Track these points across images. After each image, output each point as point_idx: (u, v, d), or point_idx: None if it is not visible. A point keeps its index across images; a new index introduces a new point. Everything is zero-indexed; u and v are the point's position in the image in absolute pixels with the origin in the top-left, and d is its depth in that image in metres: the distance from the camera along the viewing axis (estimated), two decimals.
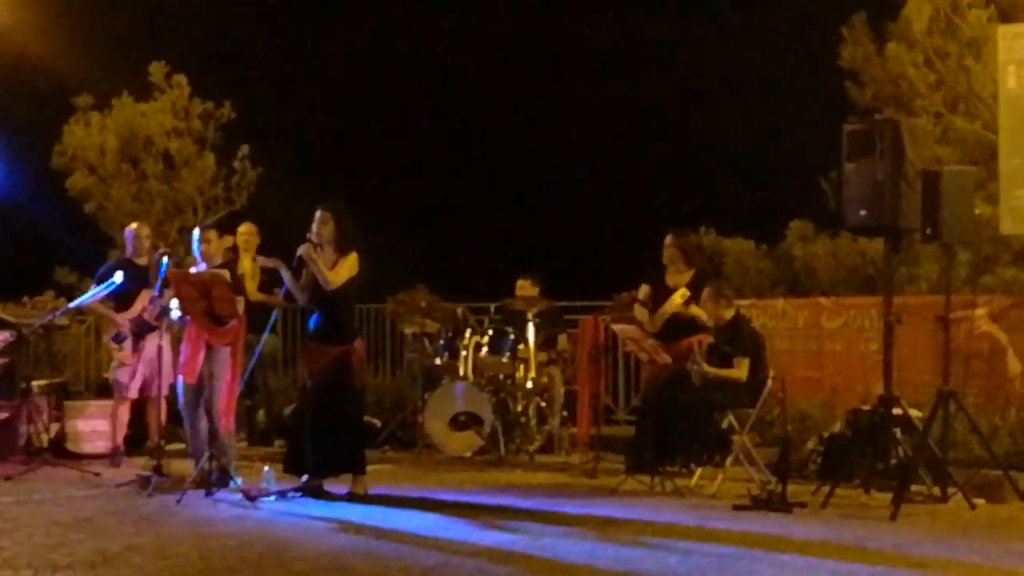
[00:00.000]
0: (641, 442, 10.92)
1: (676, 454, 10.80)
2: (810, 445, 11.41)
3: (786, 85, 19.11)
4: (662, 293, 11.17)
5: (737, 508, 9.82)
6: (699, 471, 10.59)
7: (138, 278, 12.12)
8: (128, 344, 12.12)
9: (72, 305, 12.47)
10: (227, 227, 14.08)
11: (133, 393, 12.24)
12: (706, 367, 10.66)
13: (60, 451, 12.47)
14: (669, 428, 10.63)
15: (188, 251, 12.08)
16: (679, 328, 10.99)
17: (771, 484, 10.07)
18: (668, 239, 11.22)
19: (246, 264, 12.99)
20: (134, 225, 12.94)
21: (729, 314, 10.92)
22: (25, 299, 12.77)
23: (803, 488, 10.31)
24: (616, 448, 12.21)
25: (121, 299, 12.26)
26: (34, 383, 12.64)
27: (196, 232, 11.47)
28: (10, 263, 16.57)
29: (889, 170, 10.04)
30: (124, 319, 12.19)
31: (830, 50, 15.76)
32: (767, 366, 10.75)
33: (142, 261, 12.39)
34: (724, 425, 10.77)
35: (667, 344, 11.00)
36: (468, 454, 12.76)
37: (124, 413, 12.35)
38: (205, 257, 11.17)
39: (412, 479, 11.49)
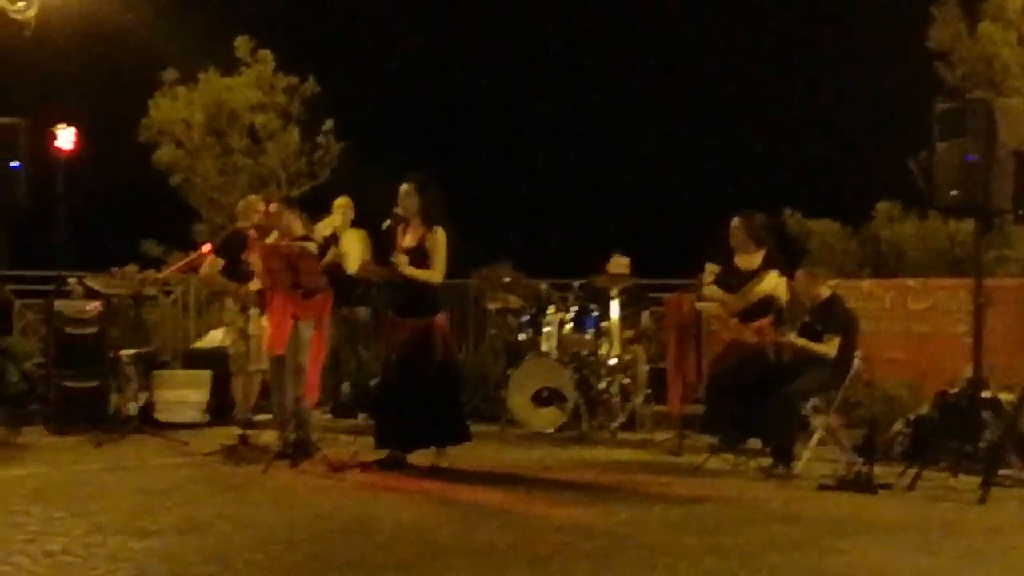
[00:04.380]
0: (723, 419, 10.88)
1: (752, 433, 10.75)
2: (897, 427, 11.30)
3: (872, 65, 18.93)
4: (734, 275, 11.07)
5: (822, 488, 9.75)
6: (806, 455, 10.48)
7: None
8: (256, 316, 11.95)
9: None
10: (311, 201, 14.20)
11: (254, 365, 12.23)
12: (796, 339, 10.59)
13: (148, 420, 12.61)
14: (745, 406, 10.56)
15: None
16: (754, 308, 10.91)
17: (857, 465, 9.99)
18: (735, 222, 11.11)
19: (350, 237, 13.01)
20: (252, 199, 12.87)
21: (825, 293, 10.84)
22: (114, 270, 12.88)
23: (889, 470, 10.18)
24: (697, 426, 12.15)
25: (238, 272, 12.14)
26: (123, 353, 12.79)
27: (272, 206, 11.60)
28: (98, 235, 16.77)
29: (981, 150, 9.91)
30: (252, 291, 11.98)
31: (918, 30, 15.59)
32: (856, 347, 10.65)
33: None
34: (808, 408, 10.69)
35: (747, 323, 10.93)
36: (550, 430, 12.76)
37: (254, 385, 12.33)
38: (284, 230, 11.22)
39: (494, 454, 11.52)
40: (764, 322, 10.87)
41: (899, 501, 9.38)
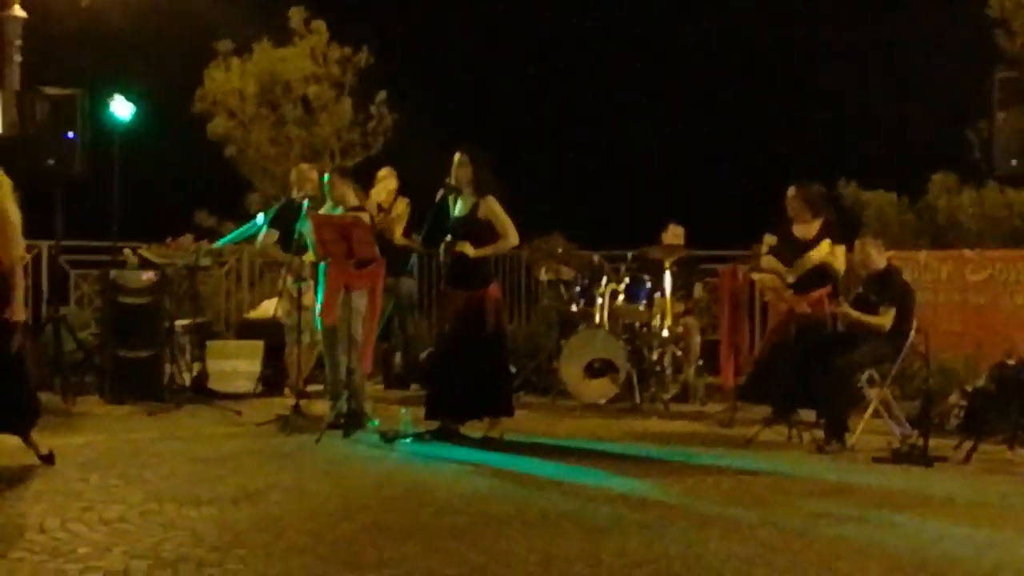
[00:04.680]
0: (758, 386, 10.85)
1: (804, 404, 10.68)
2: (952, 399, 11.20)
3: (928, 35, 18.72)
4: (791, 244, 10.99)
5: (876, 461, 9.68)
6: (860, 427, 10.40)
7: None
8: (311, 287, 11.77)
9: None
10: (364, 172, 14.22)
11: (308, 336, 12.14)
12: (850, 310, 10.49)
13: (201, 390, 12.69)
14: (799, 377, 10.49)
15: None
16: (811, 278, 10.82)
17: (912, 438, 9.92)
18: (791, 191, 11.04)
19: (401, 206, 13.06)
20: (304, 167, 12.83)
21: (882, 263, 10.72)
22: (169, 240, 12.94)
23: (944, 443, 10.10)
24: (739, 394, 12.10)
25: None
26: (177, 323, 12.86)
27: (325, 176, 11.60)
28: (152, 206, 16.84)
29: None
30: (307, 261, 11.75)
31: None
32: (912, 318, 10.54)
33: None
34: (863, 380, 10.60)
35: (802, 294, 10.84)
36: (603, 401, 12.74)
37: (311, 356, 12.32)
38: (337, 200, 11.23)
39: (547, 425, 11.51)
40: (822, 292, 10.78)
41: (955, 474, 9.31)
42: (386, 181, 13.15)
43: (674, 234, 13.46)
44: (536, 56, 23.30)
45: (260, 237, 12.35)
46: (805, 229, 10.96)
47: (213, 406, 11.96)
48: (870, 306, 10.51)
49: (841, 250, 10.77)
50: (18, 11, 13.40)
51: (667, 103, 22.97)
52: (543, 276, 14.05)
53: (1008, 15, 15.11)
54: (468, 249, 10.23)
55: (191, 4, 18.07)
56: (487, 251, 10.31)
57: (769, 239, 11.14)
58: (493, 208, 10.28)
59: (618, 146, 23.18)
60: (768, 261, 11.09)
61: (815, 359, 10.37)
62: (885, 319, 10.38)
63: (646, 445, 10.47)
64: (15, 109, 12.61)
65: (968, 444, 9.80)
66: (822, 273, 10.73)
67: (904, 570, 6.55)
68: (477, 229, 10.28)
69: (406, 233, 13.24)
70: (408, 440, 10.25)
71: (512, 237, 10.38)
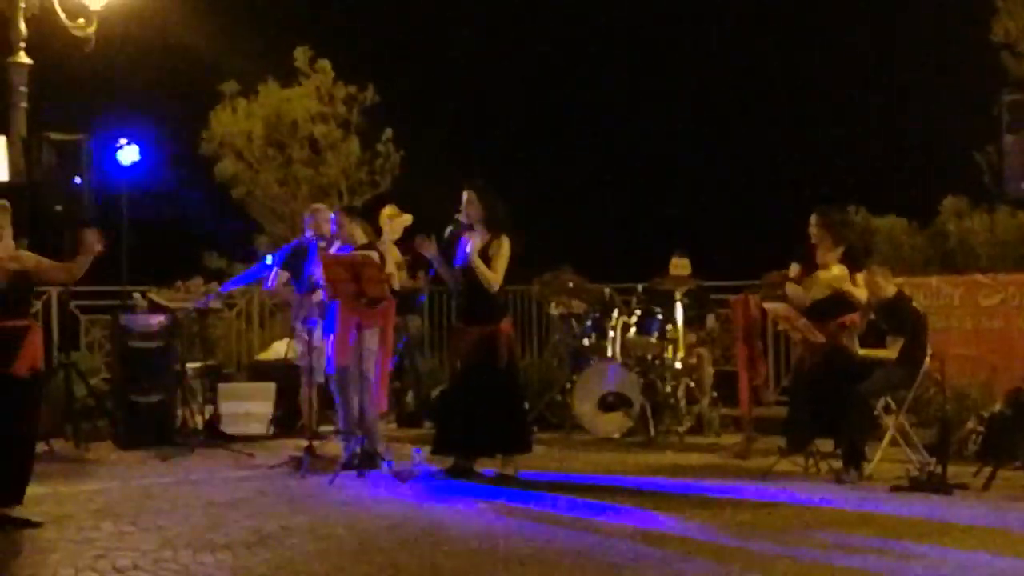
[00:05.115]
0: (796, 422, 10.73)
1: (826, 432, 10.60)
2: (969, 425, 11.12)
3: (936, 59, 18.71)
4: (813, 272, 10.91)
5: (895, 490, 9.62)
6: (877, 456, 10.32)
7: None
8: (319, 328, 11.55)
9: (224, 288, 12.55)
10: (373, 210, 14.18)
11: (321, 377, 12.05)
12: (857, 348, 10.40)
13: (214, 433, 12.64)
14: (821, 407, 10.41)
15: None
16: (830, 307, 10.73)
17: (930, 465, 9.84)
18: (813, 218, 10.95)
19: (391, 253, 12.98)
20: (320, 207, 12.74)
21: (891, 291, 10.63)
22: (178, 283, 12.92)
23: (962, 469, 10.03)
24: (765, 429, 12.03)
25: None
26: (188, 366, 12.82)
27: (332, 215, 11.56)
28: (161, 249, 16.85)
29: None
30: (315, 302, 11.60)
31: (982, 21, 15.34)
32: (926, 345, 10.45)
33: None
34: (879, 408, 10.52)
35: (818, 323, 10.75)
36: (617, 435, 12.68)
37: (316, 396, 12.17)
38: (346, 239, 11.20)
39: (561, 461, 11.45)
40: (840, 322, 10.61)
41: (975, 501, 9.24)
42: (402, 218, 13.01)
43: (677, 265, 13.41)
44: (543, 91, 23.32)
45: (271, 278, 12.30)
46: (828, 256, 10.84)
47: (226, 449, 11.91)
48: (882, 334, 10.43)
49: (862, 277, 10.66)
50: (23, 57, 13.41)
51: (672, 135, 22.96)
52: (554, 310, 14.02)
53: (1013, 39, 15.06)
54: (473, 252, 10.20)
55: (195, 47, 18.10)
56: (481, 266, 10.23)
57: (795, 268, 11.03)
58: (501, 248, 10.25)
59: (628, 178, 23.16)
60: (791, 288, 10.98)
61: (831, 388, 10.30)
62: (891, 352, 10.30)
63: (662, 479, 10.42)
64: (21, 156, 12.62)
65: (987, 471, 9.74)
66: (838, 301, 10.62)
67: None
68: (487, 265, 10.27)
69: (412, 271, 13.19)
70: (422, 480, 10.19)
71: (496, 282, 10.30)
